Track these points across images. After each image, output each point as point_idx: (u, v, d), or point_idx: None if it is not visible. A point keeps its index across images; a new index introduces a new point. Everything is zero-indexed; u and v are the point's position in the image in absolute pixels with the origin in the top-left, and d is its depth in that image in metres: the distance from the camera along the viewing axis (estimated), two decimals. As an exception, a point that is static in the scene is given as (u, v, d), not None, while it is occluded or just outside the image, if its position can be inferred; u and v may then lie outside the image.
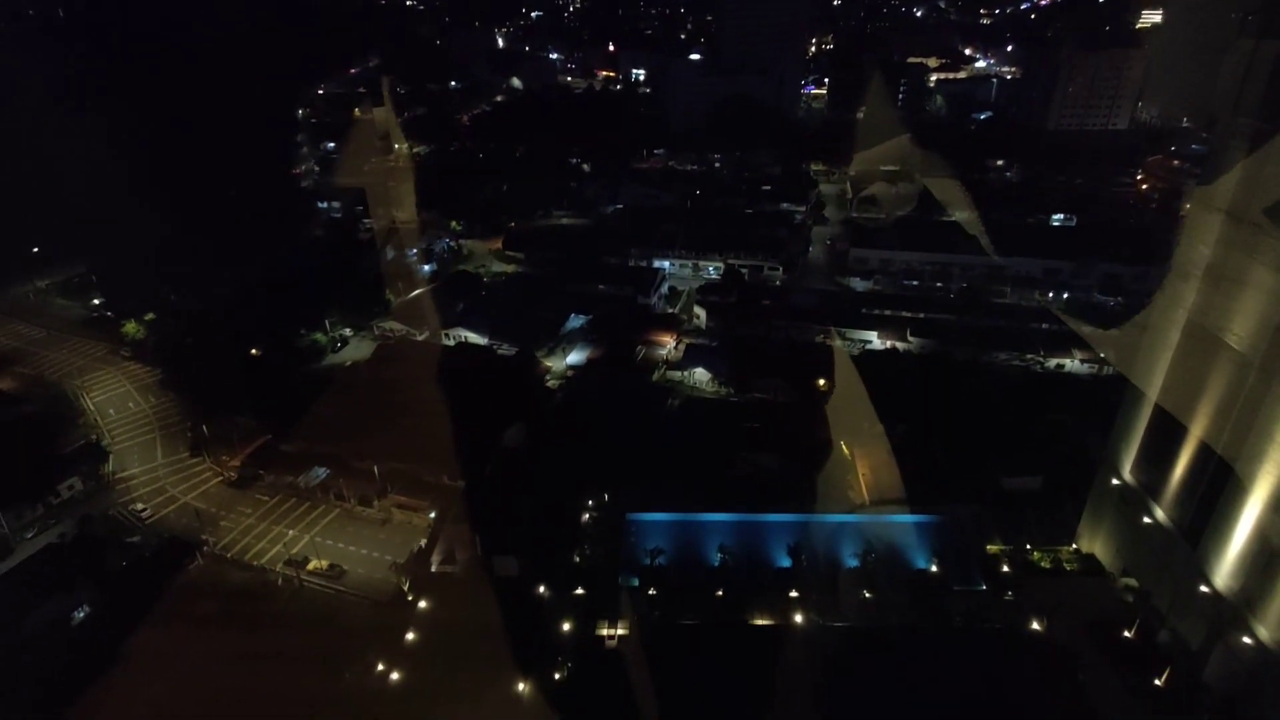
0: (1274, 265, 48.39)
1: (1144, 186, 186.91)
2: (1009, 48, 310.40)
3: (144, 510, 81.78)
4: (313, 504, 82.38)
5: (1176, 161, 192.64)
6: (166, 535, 77.73)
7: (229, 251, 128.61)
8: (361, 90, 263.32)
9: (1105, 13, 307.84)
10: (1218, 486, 53.97)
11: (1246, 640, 51.04)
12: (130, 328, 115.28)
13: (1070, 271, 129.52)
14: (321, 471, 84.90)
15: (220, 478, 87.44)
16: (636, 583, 65.91)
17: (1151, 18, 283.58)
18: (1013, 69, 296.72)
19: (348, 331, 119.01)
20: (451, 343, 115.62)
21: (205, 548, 75.62)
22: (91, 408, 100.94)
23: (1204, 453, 55.74)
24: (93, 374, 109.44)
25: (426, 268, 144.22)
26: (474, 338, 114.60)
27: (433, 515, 77.54)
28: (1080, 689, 55.02)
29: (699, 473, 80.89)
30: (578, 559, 69.59)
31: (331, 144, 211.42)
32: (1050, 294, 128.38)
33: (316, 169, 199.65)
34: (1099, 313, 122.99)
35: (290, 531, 78.33)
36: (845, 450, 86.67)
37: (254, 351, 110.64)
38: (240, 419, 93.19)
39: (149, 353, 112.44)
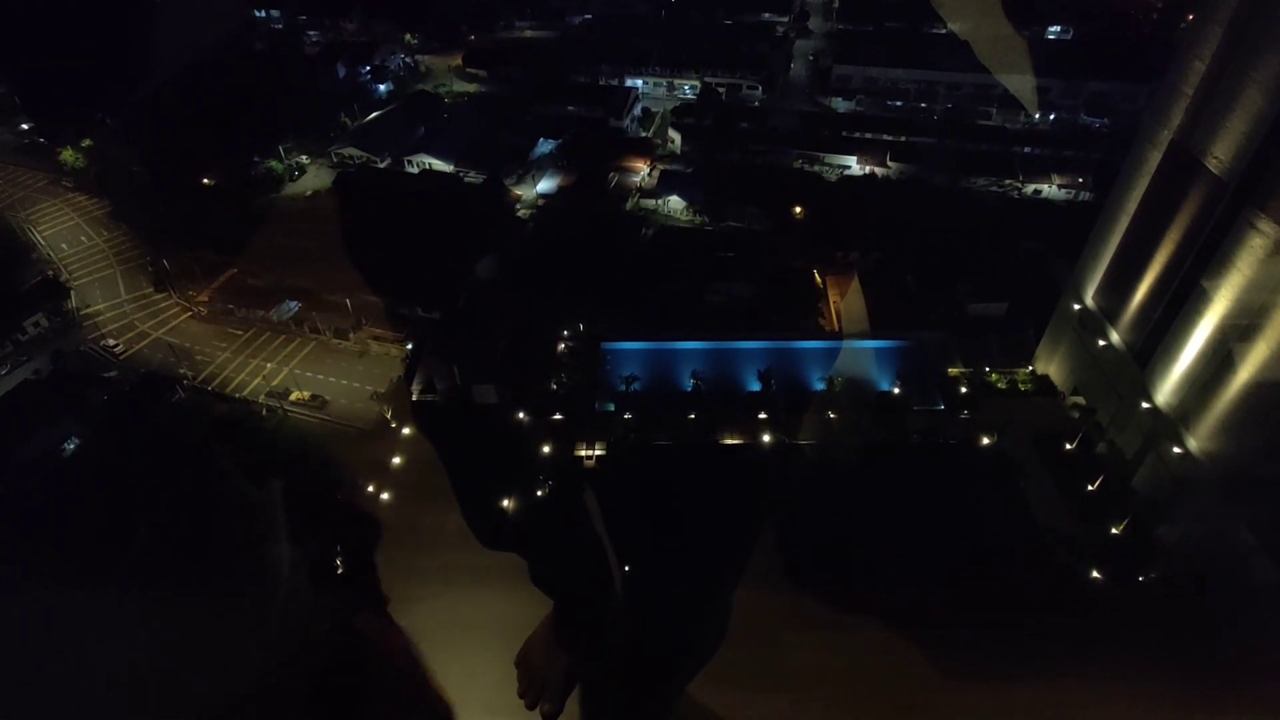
0: (1266, 87, 46.78)
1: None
2: None
3: (116, 346, 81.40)
4: (287, 337, 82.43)
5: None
6: (143, 370, 78.06)
7: (160, 66, 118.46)
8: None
9: None
10: (1174, 310, 55.85)
11: (1176, 450, 55.26)
12: (68, 155, 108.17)
13: (1059, 90, 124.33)
14: (293, 305, 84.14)
15: (189, 313, 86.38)
16: (612, 407, 68.31)
17: None
18: None
19: (304, 159, 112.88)
20: (415, 170, 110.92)
21: (184, 382, 76.37)
22: (42, 242, 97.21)
23: (1166, 277, 57.04)
24: (36, 206, 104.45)
25: (382, 87, 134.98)
26: (439, 164, 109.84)
27: (409, 346, 78.27)
28: (1019, 496, 60.24)
29: (673, 302, 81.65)
30: (555, 386, 71.21)
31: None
32: (1036, 115, 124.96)
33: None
34: (1084, 134, 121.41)
35: (268, 364, 78.99)
36: (818, 278, 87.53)
37: (206, 180, 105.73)
38: (202, 252, 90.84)
39: (92, 183, 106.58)
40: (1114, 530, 57.11)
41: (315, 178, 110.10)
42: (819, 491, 59.95)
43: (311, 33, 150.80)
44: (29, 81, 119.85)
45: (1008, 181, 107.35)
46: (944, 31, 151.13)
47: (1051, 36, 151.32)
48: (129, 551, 58.06)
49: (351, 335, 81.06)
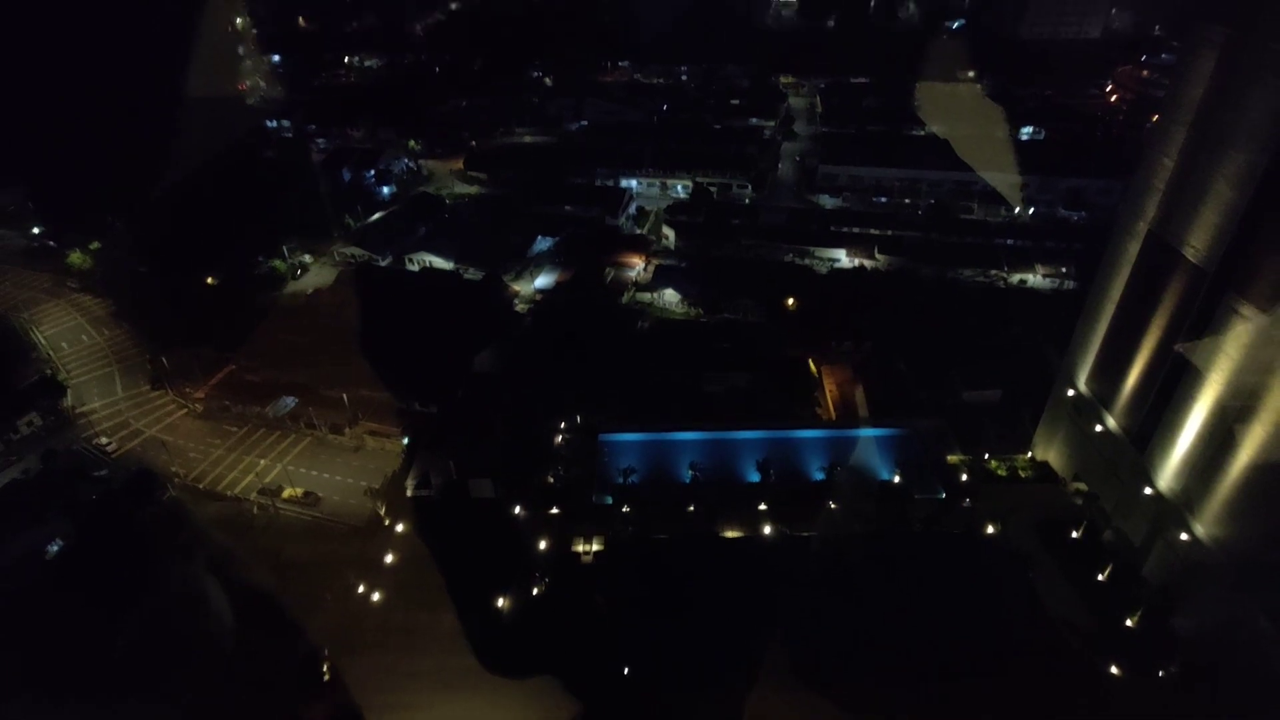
0: (1235, 178, 48.91)
1: (1113, 98, 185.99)
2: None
3: (109, 444, 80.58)
4: (283, 433, 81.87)
5: (1145, 72, 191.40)
6: (134, 468, 76.64)
7: (171, 174, 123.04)
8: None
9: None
10: (1166, 395, 56.16)
11: (1184, 536, 54.30)
12: (76, 258, 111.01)
13: (1037, 186, 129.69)
14: (290, 401, 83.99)
15: (185, 410, 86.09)
16: (610, 501, 67.21)
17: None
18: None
19: (307, 258, 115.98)
20: (416, 268, 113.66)
21: (176, 480, 75.18)
22: (43, 342, 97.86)
23: (1156, 362, 57.70)
24: (40, 307, 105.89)
25: (385, 190, 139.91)
26: (439, 262, 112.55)
27: (406, 441, 77.67)
28: (1029, 586, 58.60)
29: (670, 393, 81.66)
30: (552, 479, 70.38)
31: (276, 56, 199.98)
32: (1016, 209, 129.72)
33: (263, 85, 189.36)
34: (1063, 226, 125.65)
35: (262, 461, 78.05)
36: (813, 367, 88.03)
37: (210, 280, 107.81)
38: (202, 350, 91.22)
39: (98, 283, 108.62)
40: (1129, 622, 55.54)
41: (317, 275, 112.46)
42: (823, 585, 58.27)
43: (320, 140, 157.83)
44: (43, 186, 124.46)
45: (993, 272, 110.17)
46: (923, 133, 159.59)
47: (1025, 137, 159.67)
48: (111, 656, 55.90)
49: (347, 430, 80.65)
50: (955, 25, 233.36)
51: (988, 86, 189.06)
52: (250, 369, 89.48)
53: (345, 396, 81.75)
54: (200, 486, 75.15)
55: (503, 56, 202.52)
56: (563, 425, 76.76)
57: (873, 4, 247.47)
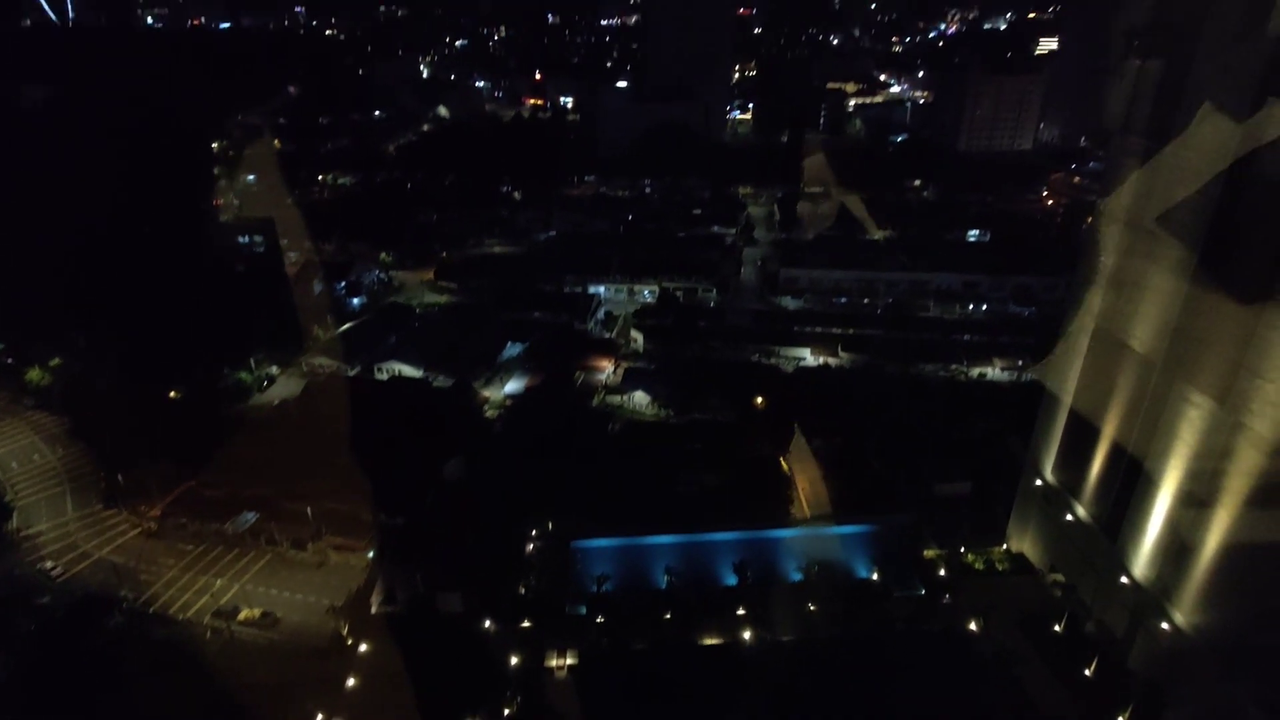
0: (1169, 271, 51.95)
1: (1050, 202, 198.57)
2: (920, 74, 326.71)
3: (54, 568, 75.88)
4: (242, 550, 78.23)
5: (1077, 178, 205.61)
6: (80, 593, 72.26)
7: (140, 293, 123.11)
8: (282, 121, 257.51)
9: (1006, 41, 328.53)
10: (1131, 483, 57.13)
11: (1165, 626, 53.88)
12: (34, 374, 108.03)
13: (987, 285, 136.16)
14: (250, 516, 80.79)
15: (139, 529, 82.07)
16: (584, 611, 64.99)
17: (1048, 45, 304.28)
18: (925, 93, 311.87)
19: (274, 370, 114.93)
20: (385, 376, 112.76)
21: (124, 604, 70.78)
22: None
23: (1117, 451, 59.01)
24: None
25: (356, 301, 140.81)
26: (408, 370, 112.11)
27: (371, 555, 74.81)
28: (1016, 684, 57.15)
29: (642, 496, 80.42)
30: (523, 590, 68.13)
31: (252, 176, 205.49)
32: (970, 306, 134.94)
33: (236, 202, 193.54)
34: (1015, 322, 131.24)
35: (218, 581, 74.24)
36: (784, 465, 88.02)
37: (173, 394, 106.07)
38: (161, 466, 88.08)
39: (56, 400, 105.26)
40: (1120, 719, 54.09)
41: (284, 387, 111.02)
42: (806, 691, 56.14)
43: (292, 254, 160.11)
44: (5, 306, 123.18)
45: (954, 366, 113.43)
46: (877, 237, 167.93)
47: (972, 239, 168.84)
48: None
49: (310, 545, 77.52)
50: (899, 139, 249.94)
51: (933, 194, 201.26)
52: (210, 484, 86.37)
53: (309, 510, 79.05)
54: (151, 611, 70.73)
55: (473, 172, 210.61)
56: (534, 533, 75.03)
57: (822, 121, 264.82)
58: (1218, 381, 48.06)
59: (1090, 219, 65.25)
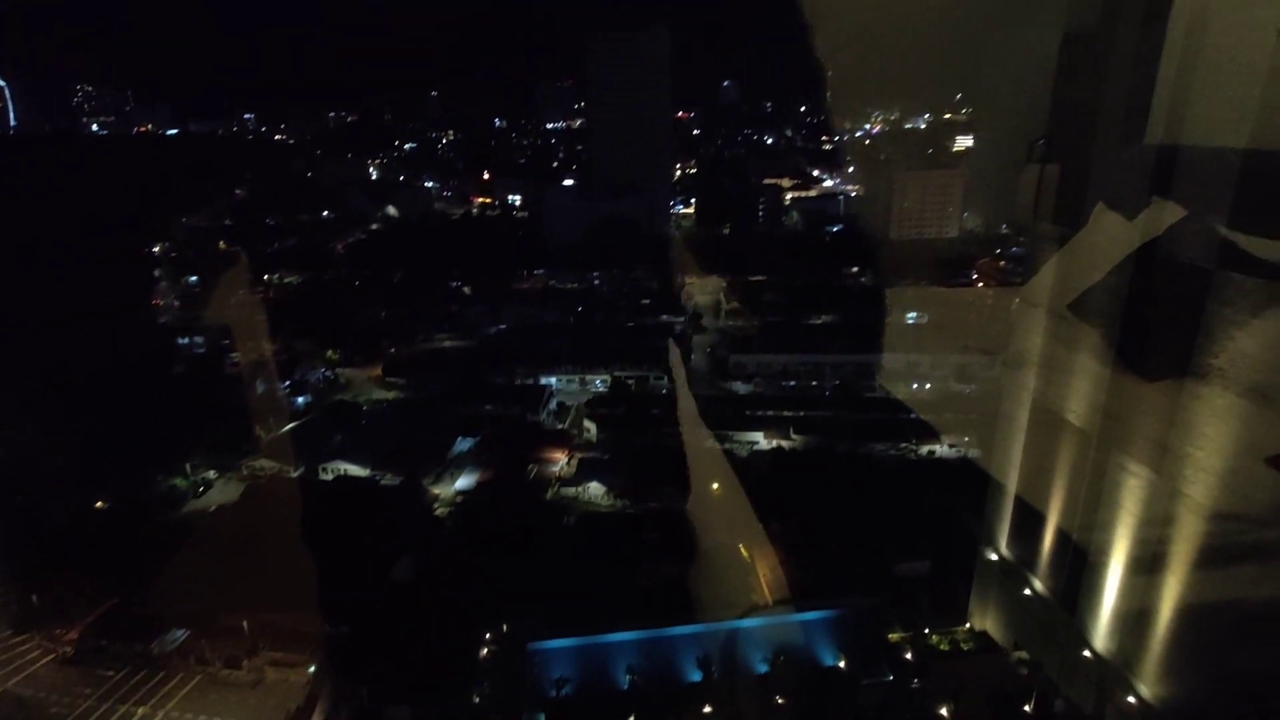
0: (1091, 350, 54.77)
1: (979, 285, 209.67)
2: (850, 169, 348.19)
3: (-51, 709, 69.82)
4: (169, 673, 72.27)
5: (1002, 263, 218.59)
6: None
7: (66, 398, 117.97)
8: (228, 223, 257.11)
9: (926, 138, 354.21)
10: (1083, 554, 58.02)
11: (1131, 700, 53.56)
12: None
13: (928, 364, 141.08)
14: (179, 634, 75.26)
15: (52, 655, 75.57)
16: (543, 718, 61.50)
17: (964, 142, 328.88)
18: (856, 187, 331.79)
19: (212, 474, 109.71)
20: (329, 477, 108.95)
21: (31, 744, 64.74)
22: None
23: (1066, 523, 60.11)
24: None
25: (301, 400, 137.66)
26: (355, 470, 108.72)
27: (313, 669, 70.02)
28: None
29: (601, 591, 78.17)
30: (478, 699, 64.40)
31: (194, 278, 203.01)
32: (914, 385, 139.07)
33: (177, 304, 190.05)
34: (959, 400, 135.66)
35: (140, 710, 68.10)
36: (744, 552, 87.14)
37: (99, 504, 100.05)
38: (82, 583, 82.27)
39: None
40: (1100, 803, 52.73)
41: (222, 492, 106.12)
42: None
43: (234, 354, 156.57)
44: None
45: (903, 445, 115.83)
46: (821, 321, 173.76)
47: (910, 321, 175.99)
48: None
49: (245, 663, 72.15)
50: (835, 229, 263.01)
51: (870, 280, 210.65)
52: (136, 601, 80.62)
53: (245, 623, 74.28)
54: (61, 750, 64.91)
55: (422, 268, 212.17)
56: (488, 636, 71.61)
57: (761, 214, 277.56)
58: (1152, 451, 49.90)
59: (1017, 300, 69.09)
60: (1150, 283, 54.02)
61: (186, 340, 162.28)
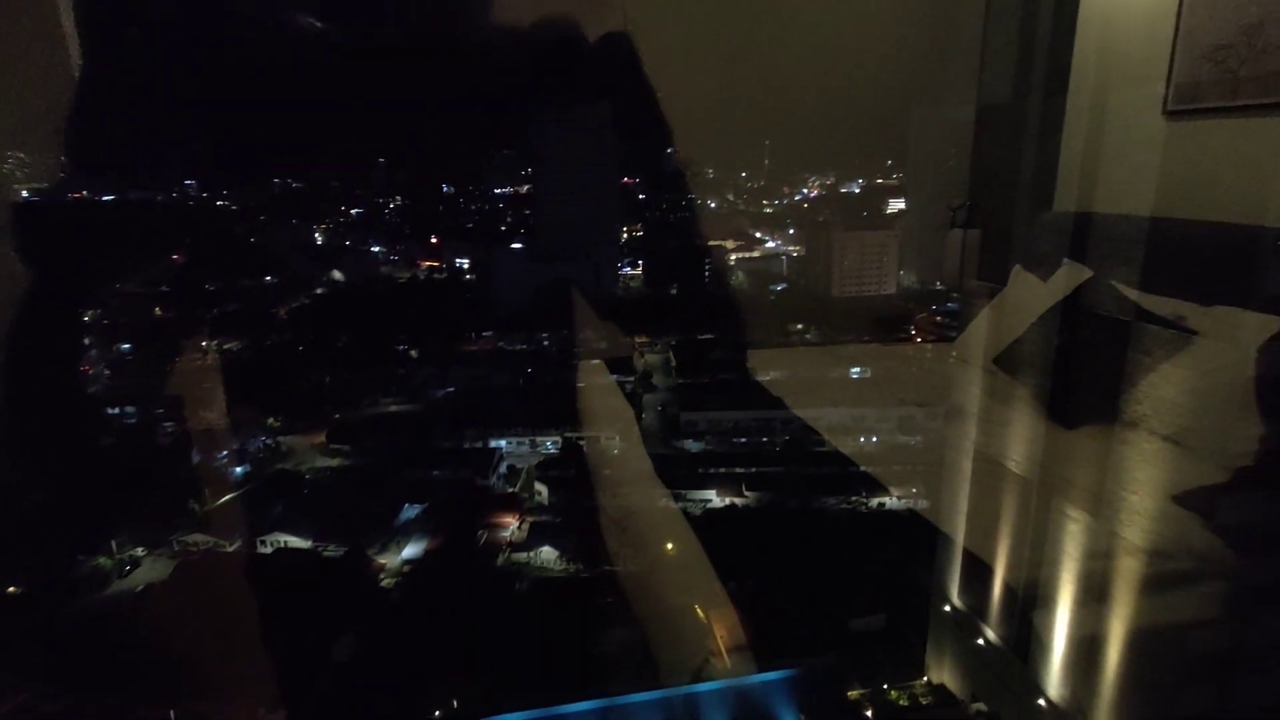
0: (1025, 401, 57.02)
1: (919, 340, 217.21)
2: (791, 231, 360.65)
3: None
4: (83, 776, 67.48)
5: (938, 318, 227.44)
6: None
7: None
8: (165, 289, 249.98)
9: (861, 201, 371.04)
10: (1031, 601, 59.04)
11: (1088, 748, 54.10)
12: None
13: (874, 417, 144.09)
14: (97, 730, 70.36)
15: (-49, 761, 70.02)
16: (497, 804, 59.16)
17: (897, 205, 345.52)
18: (797, 247, 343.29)
19: (140, 551, 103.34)
20: (269, 550, 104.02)
21: None
22: None
23: (1013, 570, 61.16)
24: None
25: (239, 470, 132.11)
26: (296, 541, 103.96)
27: (245, 763, 66.00)
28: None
29: (556, 660, 75.11)
30: (427, 786, 61.53)
31: (127, 345, 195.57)
32: (861, 439, 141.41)
33: (108, 372, 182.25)
34: (905, 451, 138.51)
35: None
36: (700, 614, 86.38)
37: (11, 589, 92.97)
38: (-12, 678, 76.35)
39: None
40: None
41: (151, 570, 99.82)
42: None
43: (168, 423, 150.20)
44: None
45: (853, 498, 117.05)
46: (769, 377, 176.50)
47: (855, 375, 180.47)
48: None
49: (171, 759, 67.53)
50: (779, 288, 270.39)
51: (815, 336, 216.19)
52: (48, 695, 74.66)
53: (172, 714, 69.17)
54: None
55: (368, 333, 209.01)
56: (437, 714, 68.12)
57: (707, 274, 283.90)
58: (1089, 497, 51.64)
59: (955, 353, 71.77)
60: (1075, 336, 57.22)
61: (116, 410, 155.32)
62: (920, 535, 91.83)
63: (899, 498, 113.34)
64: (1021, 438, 57.34)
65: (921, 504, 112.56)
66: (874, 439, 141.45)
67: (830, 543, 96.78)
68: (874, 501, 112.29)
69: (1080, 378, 50.73)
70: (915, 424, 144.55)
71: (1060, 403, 55.82)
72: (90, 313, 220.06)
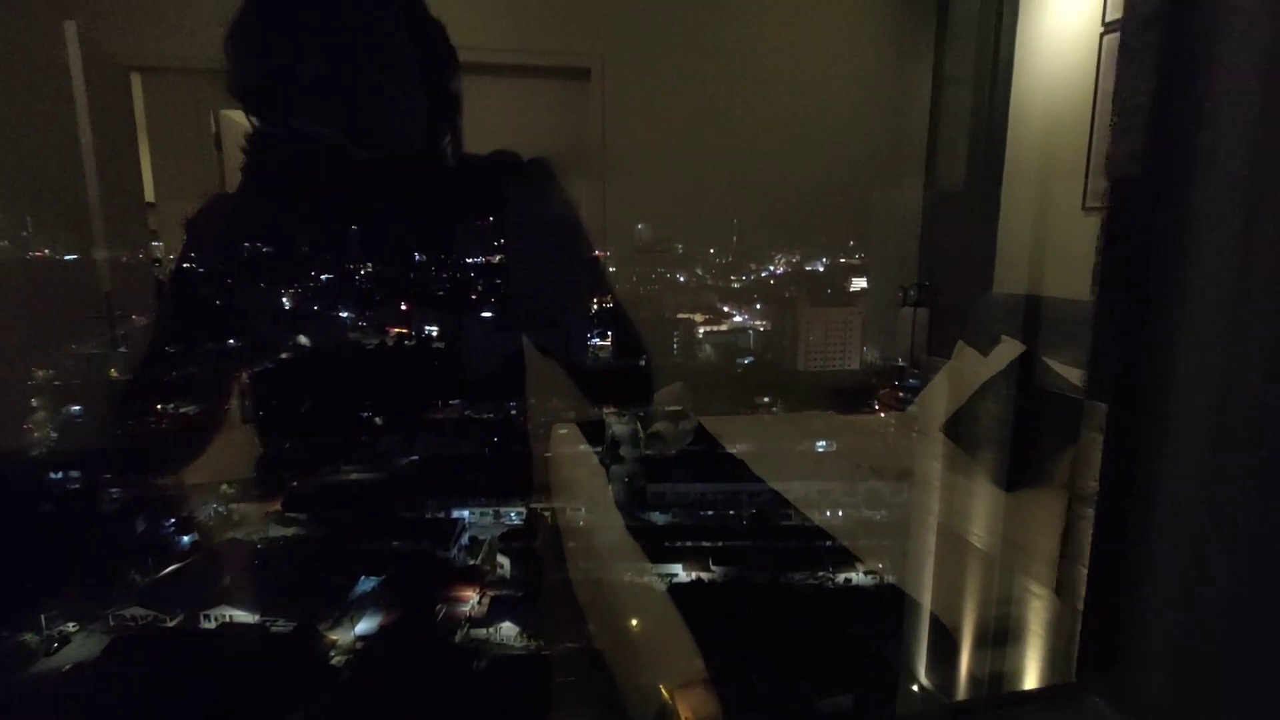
0: (982, 475, 57.59)
1: (882, 414, 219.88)
2: (758, 305, 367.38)
3: None
4: None
5: (901, 393, 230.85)
6: None
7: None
8: (122, 350, 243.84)
9: (825, 279, 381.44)
10: (998, 678, 57.99)
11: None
12: None
13: (840, 490, 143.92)
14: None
15: None
16: None
17: (859, 283, 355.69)
18: (764, 322, 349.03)
19: (71, 626, 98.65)
20: (213, 625, 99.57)
21: None
22: None
23: (979, 646, 60.15)
24: None
25: (186, 539, 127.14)
26: (241, 616, 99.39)
27: None
28: None
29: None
30: None
31: (77, 407, 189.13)
32: (827, 512, 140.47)
33: (54, 435, 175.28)
34: (870, 526, 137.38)
35: None
36: (665, 694, 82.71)
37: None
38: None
39: None
40: None
41: (82, 647, 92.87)
42: None
43: (114, 490, 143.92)
44: None
45: (820, 573, 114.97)
46: (736, 450, 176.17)
47: (820, 449, 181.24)
48: None
49: None
50: (746, 361, 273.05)
51: (781, 407, 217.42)
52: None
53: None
54: None
55: (331, 398, 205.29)
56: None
57: (675, 346, 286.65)
58: (1048, 570, 51.56)
59: (915, 427, 72.43)
60: (1025, 409, 58.27)
61: (59, 475, 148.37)
62: (888, 612, 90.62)
63: (866, 573, 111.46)
64: (981, 511, 57.63)
65: (888, 579, 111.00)
66: (840, 512, 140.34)
67: (798, 619, 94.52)
68: (841, 577, 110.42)
69: (1033, 451, 51.68)
70: (880, 497, 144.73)
71: (1016, 476, 56.58)
72: (42, 372, 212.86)
